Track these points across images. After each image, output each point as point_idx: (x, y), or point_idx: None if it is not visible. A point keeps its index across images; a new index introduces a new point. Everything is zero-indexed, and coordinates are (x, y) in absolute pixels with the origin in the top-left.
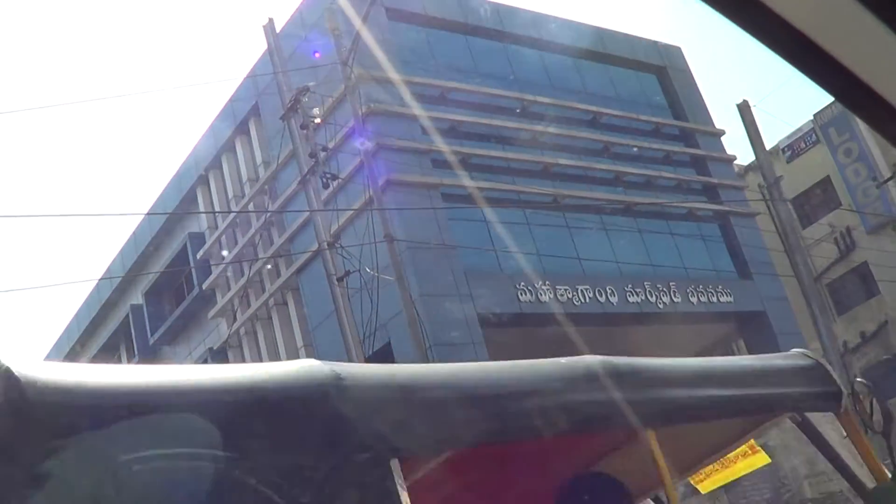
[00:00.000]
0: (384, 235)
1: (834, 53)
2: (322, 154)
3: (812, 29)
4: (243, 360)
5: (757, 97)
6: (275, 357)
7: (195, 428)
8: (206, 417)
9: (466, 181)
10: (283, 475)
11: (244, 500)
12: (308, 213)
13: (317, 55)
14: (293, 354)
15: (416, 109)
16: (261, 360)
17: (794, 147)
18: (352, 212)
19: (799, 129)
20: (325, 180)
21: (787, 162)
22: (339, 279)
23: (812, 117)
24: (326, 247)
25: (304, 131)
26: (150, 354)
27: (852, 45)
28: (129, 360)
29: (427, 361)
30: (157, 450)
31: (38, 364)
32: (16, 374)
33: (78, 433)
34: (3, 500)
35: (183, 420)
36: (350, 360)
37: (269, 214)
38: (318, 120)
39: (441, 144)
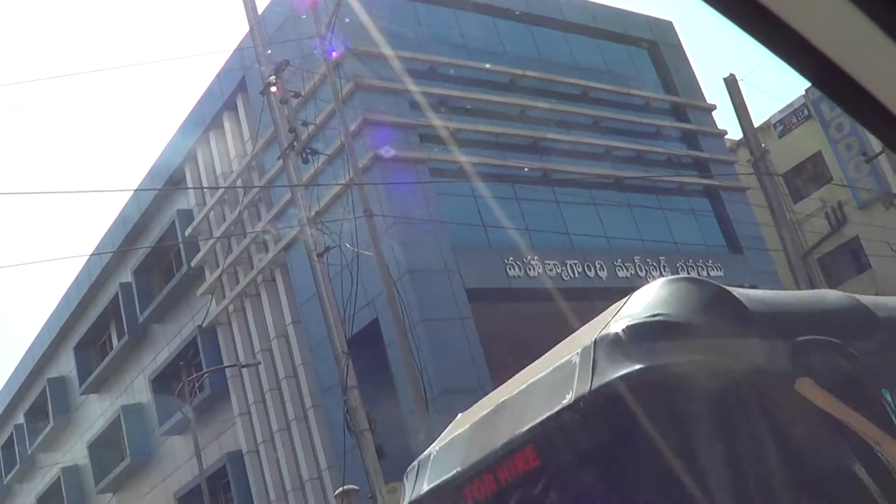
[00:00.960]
0: (363, 210)
1: (810, 38)
2: (303, 129)
3: (788, 13)
4: (232, 338)
5: (749, 72)
6: (264, 333)
7: None
8: None
9: (455, 156)
10: None
11: None
12: (294, 189)
13: (304, 17)
14: (281, 331)
15: (404, 84)
16: (250, 337)
17: (786, 122)
18: (338, 187)
19: (790, 105)
20: (304, 155)
21: (779, 137)
22: (320, 255)
23: (804, 92)
24: (307, 223)
25: (284, 106)
26: (139, 334)
27: (828, 31)
28: (119, 339)
29: (406, 339)
30: None
31: None
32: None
33: None
34: None
35: None
36: (331, 338)
37: (256, 191)
38: (291, 92)
39: (429, 119)
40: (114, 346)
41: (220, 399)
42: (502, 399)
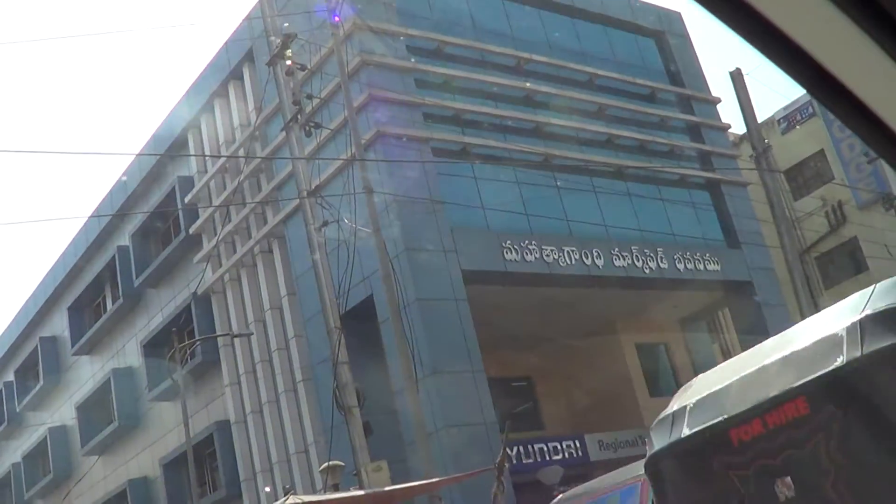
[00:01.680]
0: (363, 187)
1: (802, 45)
2: (308, 102)
3: (780, 19)
4: (226, 307)
5: (755, 67)
6: (258, 304)
7: None
8: None
9: (458, 137)
10: None
11: None
12: (295, 162)
13: None
14: (276, 303)
15: (410, 62)
16: (244, 307)
17: (790, 119)
18: (339, 163)
19: (795, 102)
20: (307, 129)
21: (783, 134)
22: (318, 229)
23: None
24: (306, 195)
25: (289, 78)
26: (134, 297)
27: (821, 40)
28: (114, 301)
29: (400, 318)
30: None
31: None
32: None
33: None
34: None
35: None
36: (325, 312)
37: (258, 161)
38: (297, 65)
39: (434, 98)
40: (108, 309)
41: (210, 367)
42: (761, 364)
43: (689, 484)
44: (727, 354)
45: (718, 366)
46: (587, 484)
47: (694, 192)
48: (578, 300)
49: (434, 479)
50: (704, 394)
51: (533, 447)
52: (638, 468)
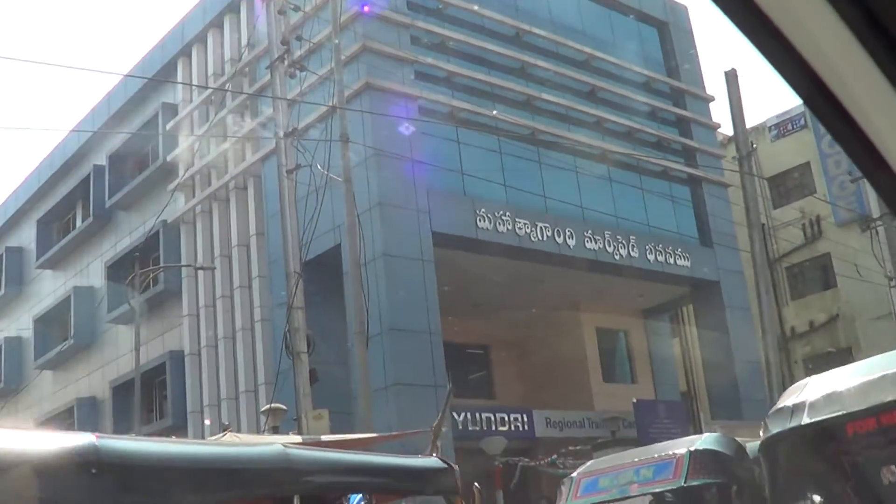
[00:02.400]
0: (340, 135)
1: (805, 55)
2: (297, 44)
3: (787, 27)
4: (194, 238)
5: (756, 69)
6: (226, 239)
7: None
8: None
9: (446, 99)
10: None
11: None
12: (277, 102)
13: None
14: (244, 240)
15: (408, 18)
16: (212, 241)
17: (781, 128)
18: (322, 111)
19: (788, 111)
20: (293, 70)
21: (772, 141)
22: (290, 171)
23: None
24: (282, 136)
25: (281, 17)
26: (104, 218)
27: (822, 52)
28: (84, 219)
29: (360, 270)
30: None
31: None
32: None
33: None
34: None
35: None
36: (286, 254)
37: (243, 97)
38: (291, 4)
39: (427, 57)
40: (76, 226)
41: (171, 296)
42: (882, 374)
43: (803, 463)
44: (686, 350)
45: (829, 372)
46: (618, 454)
47: (674, 186)
48: (545, 276)
49: (370, 435)
50: (823, 393)
51: (481, 415)
52: (674, 446)
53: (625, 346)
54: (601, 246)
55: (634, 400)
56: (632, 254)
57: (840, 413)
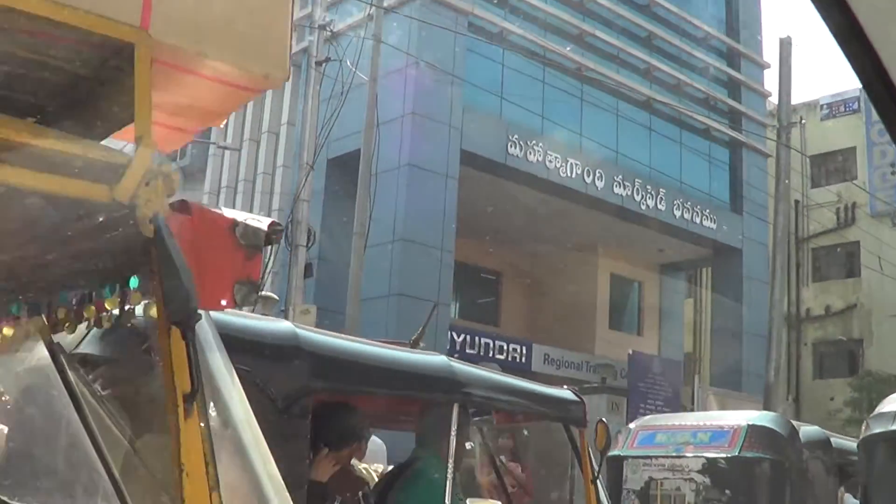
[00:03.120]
0: (373, 34)
1: (874, 42)
2: None
3: (861, 9)
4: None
5: (818, 45)
6: (257, 124)
7: None
8: None
9: (498, 20)
10: None
11: None
12: None
13: None
14: (275, 128)
15: None
16: (243, 123)
17: (833, 108)
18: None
19: (842, 93)
20: None
21: (821, 119)
22: (318, 63)
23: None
24: (316, 27)
25: None
26: None
27: (891, 41)
28: None
29: (369, 168)
30: None
31: None
32: None
33: None
34: None
35: None
36: (301, 144)
37: None
38: None
39: None
40: None
41: (196, 172)
42: None
43: None
44: (698, 312)
45: None
46: (677, 415)
47: (714, 147)
48: (568, 214)
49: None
50: None
51: (480, 340)
52: (733, 417)
53: (637, 297)
54: (629, 193)
55: (630, 351)
56: (659, 206)
57: None
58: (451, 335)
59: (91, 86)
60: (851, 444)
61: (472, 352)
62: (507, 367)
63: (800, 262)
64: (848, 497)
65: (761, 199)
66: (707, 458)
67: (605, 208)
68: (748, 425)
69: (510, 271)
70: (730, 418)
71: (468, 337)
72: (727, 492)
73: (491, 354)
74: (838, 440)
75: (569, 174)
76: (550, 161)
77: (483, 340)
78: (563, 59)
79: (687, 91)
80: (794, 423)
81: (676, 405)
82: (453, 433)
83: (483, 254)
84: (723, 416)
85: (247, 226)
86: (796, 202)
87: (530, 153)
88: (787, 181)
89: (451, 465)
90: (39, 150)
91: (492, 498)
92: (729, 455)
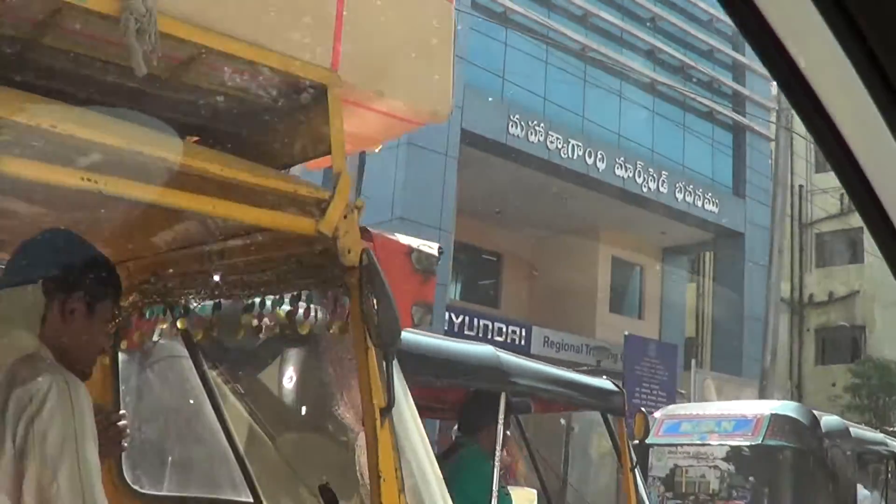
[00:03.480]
0: None
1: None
2: None
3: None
4: None
5: None
6: None
7: None
8: None
9: None
10: None
11: None
12: None
13: None
14: None
15: None
16: None
17: None
18: None
19: None
20: None
21: None
22: None
23: None
24: None
25: None
26: None
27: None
28: None
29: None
30: None
31: None
32: None
33: None
34: None
35: None
36: None
37: None
38: None
39: None
40: None
41: None
42: None
43: None
44: (700, 296)
45: None
46: (700, 404)
47: (717, 130)
48: (569, 196)
49: None
50: None
51: (479, 321)
52: (757, 406)
53: (638, 280)
54: (631, 175)
55: (626, 333)
56: (661, 189)
57: None
58: (450, 316)
59: (277, 121)
60: (869, 433)
61: (470, 333)
62: (507, 349)
63: (803, 248)
64: (859, 488)
65: (764, 184)
66: (731, 446)
67: (606, 190)
68: (771, 414)
69: (511, 253)
70: (753, 407)
71: (466, 318)
72: (751, 479)
73: (490, 336)
74: (857, 430)
75: (570, 155)
76: (551, 142)
77: (482, 322)
78: (567, 40)
79: (691, 73)
80: (815, 412)
81: (672, 389)
82: (500, 422)
83: (484, 235)
84: (746, 406)
85: (421, 252)
86: (800, 187)
87: (531, 133)
88: (783, 162)
89: (497, 455)
90: (256, 187)
91: (528, 486)
92: (752, 443)
